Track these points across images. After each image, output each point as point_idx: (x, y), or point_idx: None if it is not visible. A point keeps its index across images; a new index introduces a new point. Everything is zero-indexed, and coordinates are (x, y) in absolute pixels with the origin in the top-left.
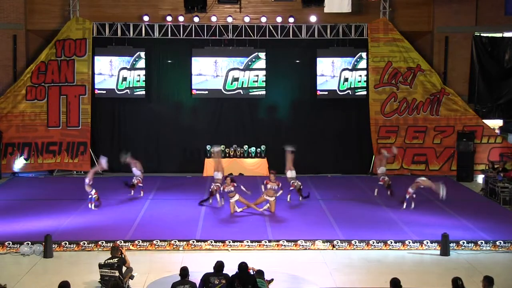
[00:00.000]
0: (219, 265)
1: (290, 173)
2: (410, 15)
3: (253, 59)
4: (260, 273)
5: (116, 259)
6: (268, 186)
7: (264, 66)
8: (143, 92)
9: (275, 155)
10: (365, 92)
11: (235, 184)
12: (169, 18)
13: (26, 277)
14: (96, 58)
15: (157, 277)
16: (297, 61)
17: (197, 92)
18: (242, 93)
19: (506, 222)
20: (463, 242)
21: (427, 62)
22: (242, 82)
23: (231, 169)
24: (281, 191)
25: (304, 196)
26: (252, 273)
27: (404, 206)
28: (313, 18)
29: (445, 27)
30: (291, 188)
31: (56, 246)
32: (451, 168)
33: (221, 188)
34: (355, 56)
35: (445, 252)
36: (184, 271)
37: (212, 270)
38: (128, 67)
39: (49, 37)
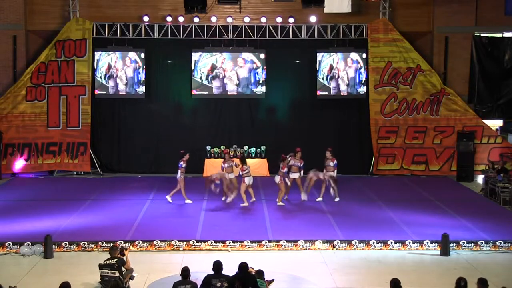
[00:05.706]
0: (218, 265)
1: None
2: (410, 15)
3: (253, 59)
4: (260, 273)
5: (115, 260)
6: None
7: (264, 66)
8: (143, 92)
9: (275, 155)
10: (365, 92)
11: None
12: (169, 19)
13: (26, 277)
14: (96, 58)
15: (157, 278)
16: (297, 61)
17: (197, 92)
18: (242, 93)
19: (506, 222)
20: (463, 242)
21: (427, 62)
22: (242, 82)
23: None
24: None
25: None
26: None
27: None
28: (313, 18)
29: (445, 27)
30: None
31: (56, 246)
32: (451, 168)
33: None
34: (355, 57)
35: (445, 252)
36: (185, 272)
37: (211, 271)
38: (128, 67)
39: (49, 38)
